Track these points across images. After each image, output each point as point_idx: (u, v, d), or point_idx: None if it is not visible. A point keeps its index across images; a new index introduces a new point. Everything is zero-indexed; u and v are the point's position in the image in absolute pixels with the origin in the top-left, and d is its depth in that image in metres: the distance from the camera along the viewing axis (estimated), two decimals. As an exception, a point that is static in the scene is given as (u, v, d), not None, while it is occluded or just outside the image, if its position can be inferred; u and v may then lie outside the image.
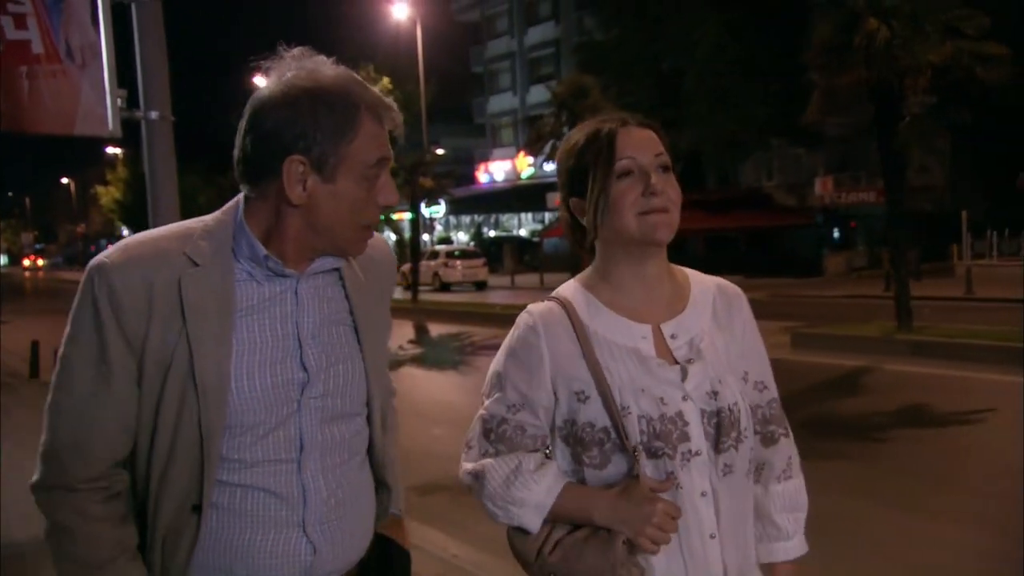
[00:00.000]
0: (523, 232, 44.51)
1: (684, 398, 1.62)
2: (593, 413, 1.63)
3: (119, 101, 4.71)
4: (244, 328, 1.54)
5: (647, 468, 1.60)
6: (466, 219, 48.68)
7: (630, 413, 1.60)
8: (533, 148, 21.46)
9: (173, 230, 1.59)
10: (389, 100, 1.58)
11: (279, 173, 1.51)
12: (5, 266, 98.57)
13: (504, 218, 48.54)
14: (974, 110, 28.36)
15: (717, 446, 1.62)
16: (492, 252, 38.92)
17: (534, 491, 1.63)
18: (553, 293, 1.75)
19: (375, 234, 1.73)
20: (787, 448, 1.79)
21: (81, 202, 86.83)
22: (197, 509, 1.52)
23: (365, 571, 1.69)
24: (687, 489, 1.61)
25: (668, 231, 1.65)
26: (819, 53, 12.56)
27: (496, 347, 1.78)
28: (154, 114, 4.90)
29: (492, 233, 47.42)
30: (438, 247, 32.83)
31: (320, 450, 1.58)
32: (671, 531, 1.57)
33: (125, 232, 75.72)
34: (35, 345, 12.28)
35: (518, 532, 1.66)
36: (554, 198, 37.46)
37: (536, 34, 46.60)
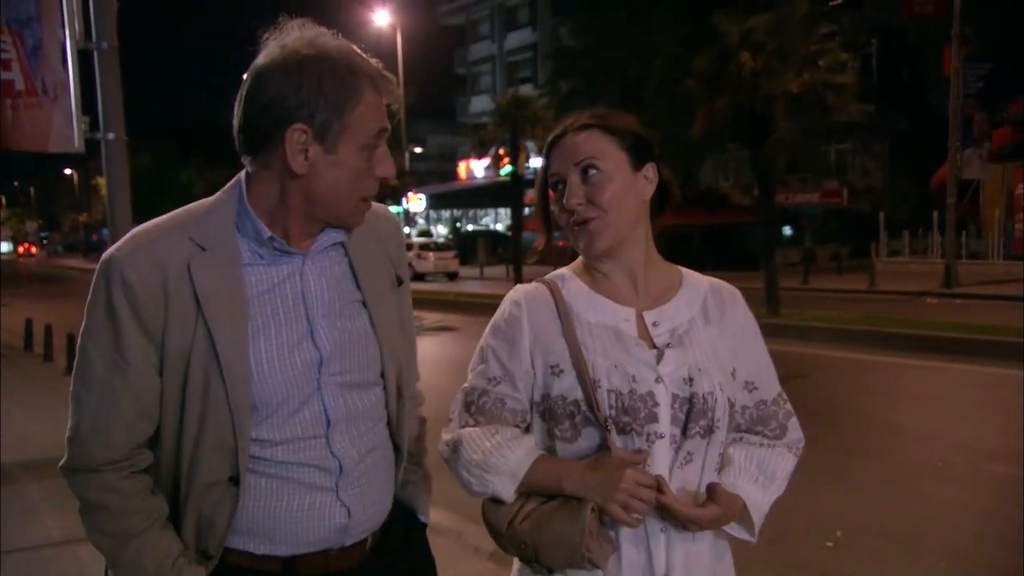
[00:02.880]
0: (500, 227, 46.19)
1: (657, 380, 1.59)
2: (566, 386, 1.62)
3: (83, 125, 6.40)
4: (257, 311, 1.54)
5: (616, 443, 1.58)
6: (446, 213, 50.44)
7: (600, 387, 1.58)
8: (479, 153, 23.41)
9: (178, 215, 1.58)
10: (387, 74, 1.57)
11: (281, 143, 1.48)
12: (8, 253, 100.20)
13: (481, 213, 50.42)
14: (911, 116, 30.44)
15: (684, 431, 1.59)
16: (467, 245, 40.35)
17: (509, 459, 1.62)
18: (543, 277, 1.74)
19: (378, 205, 1.73)
20: (780, 458, 1.73)
21: (83, 192, 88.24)
22: (234, 481, 1.52)
23: (387, 533, 1.72)
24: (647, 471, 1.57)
25: (595, 241, 1.63)
26: (698, 80, 14.62)
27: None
28: (111, 135, 6.52)
29: (470, 227, 49.26)
30: (414, 239, 34.73)
31: (346, 422, 1.60)
32: (645, 499, 1.54)
33: (126, 222, 76.92)
34: (29, 323, 14.27)
35: (492, 504, 1.65)
36: (528, 194, 39.46)
37: (515, 39, 48.12)
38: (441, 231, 49.03)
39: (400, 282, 1.79)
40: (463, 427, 1.70)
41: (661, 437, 1.59)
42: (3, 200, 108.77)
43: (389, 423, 1.72)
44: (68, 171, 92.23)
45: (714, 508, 1.58)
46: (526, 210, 44.20)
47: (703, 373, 1.62)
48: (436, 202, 48.15)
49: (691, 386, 1.60)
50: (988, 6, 22.18)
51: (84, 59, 6.45)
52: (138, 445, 1.54)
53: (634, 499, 1.54)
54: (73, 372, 1.55)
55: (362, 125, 1.52)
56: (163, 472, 1.56)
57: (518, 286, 1.75)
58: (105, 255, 1.52)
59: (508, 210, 46.02)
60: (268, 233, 1.54)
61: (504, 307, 1.73)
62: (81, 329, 1.52)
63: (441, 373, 5.83)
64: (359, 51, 1.56)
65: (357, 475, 1.62)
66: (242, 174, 1.60)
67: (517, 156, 22.53)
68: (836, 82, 14.45)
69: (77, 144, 6.51)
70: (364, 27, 33.19)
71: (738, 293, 1.78)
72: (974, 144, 22.08)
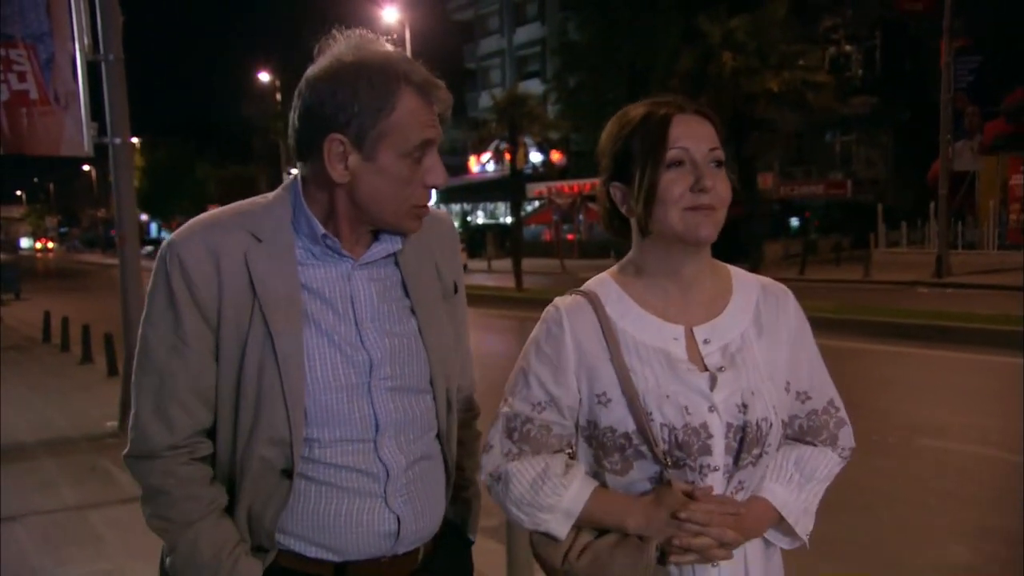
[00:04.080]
0: (509, 220, 46.69)
1: (711, 409, 1.50)
2: (615, 417, 1.53)
3: (92, 131, 7.06)
4: (309, 307, 1.54)
5: (674, 479, 1.51)
6: (456, 207, 50.88)
7: (652, 420, 1.50)
8: (478, 149, 23.98)
9: (235, 208, 1.59)
10: (437, 82, 1.54)
11: (321, 152, 1.50)
12: (28, 249, 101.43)
13: (492, 206, 50.82)
14: (913, 108, 30.69)
15: (737, 461, 1.52)
16: (476, 238, 40.90)
17: (563, 497, 1.56)
18: (583, 286, 1.64)
19: (436, 211, 1.71)
20: (822, 455, 1.66)
21: (101, 188, 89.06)
22: (287, 474, 1.53)
23: (439, 547, 1.71)
24: None
25: (712, 230, 1.53)
26: (681, 80, 15.11)
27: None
28: (117, 140, 7.24)
29: (480, 220, 49.74)
30: (424, 233, 34.99)
31: (395, 427, 1.59)
32: (705, 543, 1.49)
33: (144, 217, 78.18)
34: (47, 315, 14.83)
35: (543, 537, 1.59)
36: (532, 189, 39.91)
37: (524, 33, 48.45)
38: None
39: (456, 289, 1.75)
40: (506, 455, 1.62)
41: (715, 470, 1.51)
42: (23, 197, 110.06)
43: (439, 435, 1.70)
44: (86, 167, 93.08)
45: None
46: (527, 206, 44.77)
47: (757, 397, 1.53)
48: (446, 196, 48.50)
49: (745, 413, 1.52)
50: (975, 2, 22.45)
51: (92, 70, 7.06)
52: (197, 432, 1.55)
53: (697, 540, 1.49)
54: (135, 363, 1.56)
55: (401, 132, 1.50)
56: (220, 462, 1.57)
57: (557, 300, 1.64)
58: (164, 241, 1.56)
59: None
60: (322, 231, 1.56)
61: (544, 325, 1.62)
62: (142, 318, 1.56)
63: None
64: (406, 57, 1.54)
65: (405, 482, 1.61)
66: (298, 174, 1.62)
67: (516, 152, 22.99)
68: (814, 81, 14.94)
69: (87, 148, 7.14)
70: (373, 23, 33.58)
71: (790, 294, 1.68)
72: (965, 136, 22.40)
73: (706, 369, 1.55)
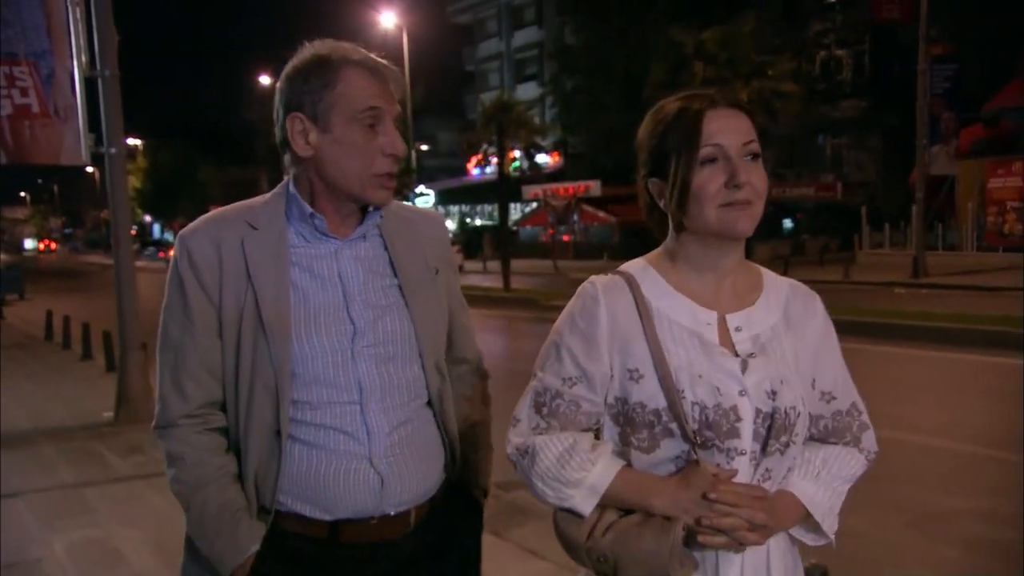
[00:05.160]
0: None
1: (741, 392, 1.50)
2: (646, 393, 1.52)
3: (89, 141, 7.62)
4: (298, 281, 1.71)
5: (703, 459, 1.50)
6: (455, 208, 51.27)
7: (684, 398, 1.50)
8: (467, 154, 24.49)
9: (238, 205, 1.80)
10: (384, 63, 1.71)
11: (288, 132, 1.69)
12: (32, 250, 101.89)
13: (490, 208, 51.23)
14: (901, 113, 31.20)
15: (764, 448, 1.52)
16: (473, 239, 41.44)
17: (590, 472, 1.54)
18: (619, 268, 1.64)
19: (429, 210, 1.97)
20: (849, 455, 1.65)
21: (104, 189, 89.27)
22: (279, 435, 1.67)
23: (435, 510, 1.80)
24: None
25: (750, 225, 1.52)
26: (654, 89, 15.64)
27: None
28: (112, 149, 7.84)
29: (478, 222, 50.27)
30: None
31: (380, 392, 1.72)
32: (735, 524, 1.47)
33: (147, 219, 78.41)
34: (49, 315, 15.41)
35: (566, 514, 1.58)
36: (528, 191, 40.40)
37: (522, 37, 49.09)
38: (450, 226, 49.85)
39: (436, 272, 1.88)
40: (534, 429, 1.61)
41: (742, 454, 1.51)
42: (28, 198, 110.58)
43: (430, 402, 1.81)
44: (90, 169, 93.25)
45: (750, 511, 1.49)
46: (520, 207, 45.02)
47: (786, 385, 1.53)
48: (445, 198, 49.05)
49: (774, 400, 1.51)
50: (953, 11, 22.93)
51: (90, 85, 7.63)
52: (209, 403, 1.72)
53: (724, 520, 1.47)
54: (157, 344, 1.76)
55: (346, 99, 1.67)
56: (230, 431, 1.73)
57: (593, 277, 1.64)
58: (179, 235, 1.76)
59: (512, 205, 47.04)
60: (310, 210, 1.73)
61: (579, 300, 1.61)
62: (162, 306, 1.75)
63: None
64: (354, 47, 1.72)
65: (389, 445, 1.71)
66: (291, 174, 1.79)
67: (503, 157, 23.50)
68: (782, 90, 15.48)
69: (84, 157, 7.74)
70: (372, 28, 34.07)
71: (817, 297, 1.69)
72: (942, 141, 22.91)
73: (737, 355, 1.55)
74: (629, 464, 1.57)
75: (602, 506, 1.56)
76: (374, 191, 1.72)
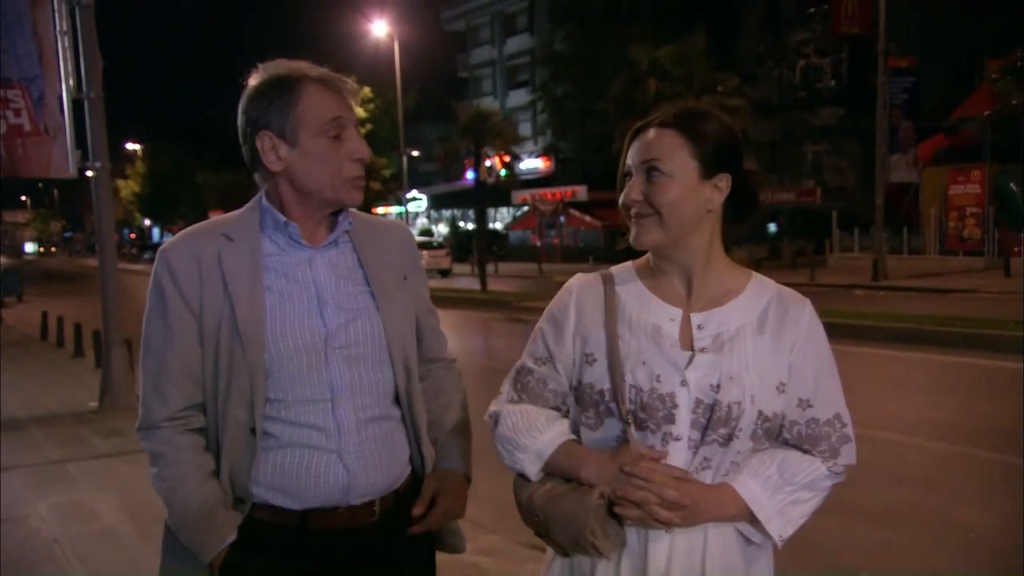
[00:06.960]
0: (498, 225, 47.02)
1: (682, 383, 1.58)
2: (596, 375, 1.66)
3: (76, 157, 8.37)
4: (273, 288, 1.78)
5: (634, 437, 1.60)
6: (447, 212, 51.39)
7: (624, 381, 1.61)
8: (444, 164, 25.08)
9: (216, 219, 1.87)
10: (338, 76, 1.80)
11: (259, 150, 1.77)
12: (33, 254, 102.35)
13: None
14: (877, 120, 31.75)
15: (703, 437, 1.58)
16: (464, 243, 41.73)
17: (537, 440, 1.70)
18: (607, 269, 1.78)
19: (396, 222, 2.07)
20: (806, 462, 1.65)
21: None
22: (253, 432, 1.76)
23: (400, 501, 1.89)
24: None
25: (644, 235, 1.63)
26: (612, 104, 16.46)
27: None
28: (98, 164, 8.62)
29: (470, 226, 50.78)
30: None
31: (350, 391, 1.81)
32: (645, 496, 1.55)
33: (147, 222, 78.59)
34: (44, 315, 16.04)
35: (520, 479, 1.73)
36: (517, 196, 41.02)
37: (514, 44, 49.59)
38: (442, 230, 50.22)
39: (405, 277, 1.96)
40: (509, 401, 1.80)
41: (677, 439, 1.59)
42: (28, 202, 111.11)
43: (399, 400, 1.90)
44: (89, 173, 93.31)
45: (672, 492, 1.55)
46: (511, 211, 45.11)
47: (734, 382, 1.58)
48: (438, 202, 49.40)
49: (717, 393, 1.57)
50: (914, 26, 23.69)
51: (77, 106, 8.39)
52: (189, 406, 1.79)
53: (642, 493, 1.55)
54: (140, 351, 1.83)
55: (310, 115, 1.74)
56: (208, 429, 1.81)
57: (577, 275, 1.79)
58: (160, 248, 1.81)
59: (506, 210, 47.43)
60: (283, 219, 1.80)
61: (560, 293, 1.78)
62: (144, 314, 1.82)
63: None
64: (310, 65, 1.81)
65: (358, 440, 1.80)
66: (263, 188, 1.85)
67: (479, 165, 24.11)
68: (730, 105, 16.29)
69: (72, 171, 8.50)
70: (366, 36, 34.68)
71: (807, 304, 1.70)
72: (900, 150, 23.71)
73: (691, 349, 1.62)
74: (579, 440, 1.72)
75: (550, 476, 1.70)
76: (348, 193, 1.82)
